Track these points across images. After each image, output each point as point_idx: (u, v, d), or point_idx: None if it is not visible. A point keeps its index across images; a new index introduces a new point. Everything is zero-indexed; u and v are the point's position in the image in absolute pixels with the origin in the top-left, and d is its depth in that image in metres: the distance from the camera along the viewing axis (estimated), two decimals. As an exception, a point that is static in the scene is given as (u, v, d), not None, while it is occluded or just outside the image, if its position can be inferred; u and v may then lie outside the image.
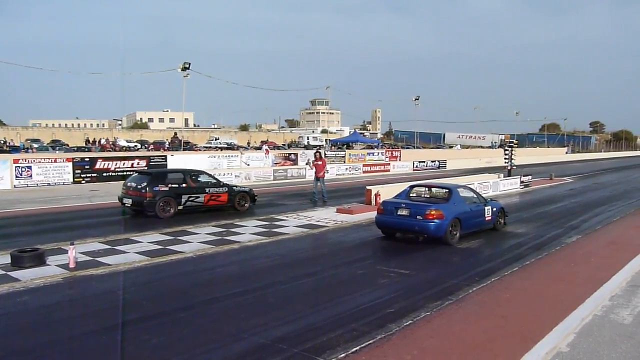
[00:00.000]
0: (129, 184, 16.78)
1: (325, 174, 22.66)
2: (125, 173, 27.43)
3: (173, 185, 16.57)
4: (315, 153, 22.88)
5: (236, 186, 18.82)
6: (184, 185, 16.83)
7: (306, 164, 22.21)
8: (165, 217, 15.91)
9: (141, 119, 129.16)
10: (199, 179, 17.52)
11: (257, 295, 8.49)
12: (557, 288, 9.08)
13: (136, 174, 17.73)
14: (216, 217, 16.36)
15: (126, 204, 16.59)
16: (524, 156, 56.52)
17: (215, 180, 17.87)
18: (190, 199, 16.79)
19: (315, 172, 21.62)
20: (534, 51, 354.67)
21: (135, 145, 59.20)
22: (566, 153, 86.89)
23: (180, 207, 16.54)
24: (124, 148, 52.29)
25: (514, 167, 29.93)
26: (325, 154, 40.70)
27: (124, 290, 8.59)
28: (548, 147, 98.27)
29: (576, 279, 9.77)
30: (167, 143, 48.74)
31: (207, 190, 17.26)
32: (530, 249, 12.29)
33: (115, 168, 27.80)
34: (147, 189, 16.07)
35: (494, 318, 7.47)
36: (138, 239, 12.69)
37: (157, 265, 10.38)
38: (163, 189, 16.29)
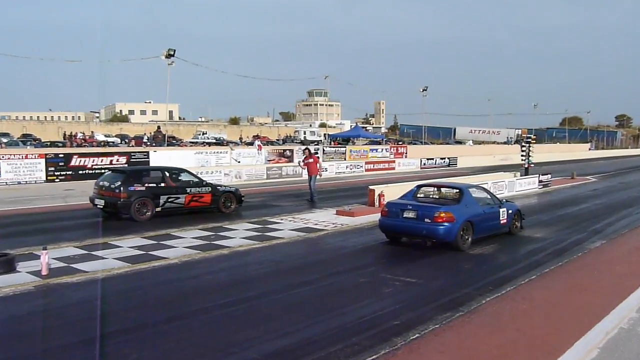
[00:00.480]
0: (101, 183, 16.64)
1: (322, 173, 22.70)
2: (103, 171, 27.41)
3: (150, 185, 16.47)
4: (304, 150, 22.89)
5: (221, 186, 18.81)
6: (162, 184, 16.76)
7: (299, 163, 22.38)
8: (142, 220, 15.84)
9: (121, 111, 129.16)
10: (179, 178, 17.45)
11: (249, 305, 8.49)
12: (579, 298, 9.09)
13: (109, 172, 17.63)
14: (203, 219, 16.37)
15: (98, 206, 16.46)
16: (543, 153, 56.54)
17: (197, 180, 17.81)
18: (169, 199, 16.71)
19: (309, 172, 21.55)
20: (555, 36, 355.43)
21: (114, 141, 59.21)
22: (589, 150, 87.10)
23: (158, 209, 16.46)
24: (102, 143, 52.28)
25: (532, 165, 29.95)
26: (322, 150, 40.71)
27: (102, 299, 8.57)
28: (569, 143, 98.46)
29: (600, 288, 9.78)
30: (146, 138, 48.59)
31: (188, 190, 17.18)
32: (549, 256, 12.30)
33: (92, 165, 27.79)
34: (122, 188, 15.95)
35: (510, 332, 7.48)
36: (117, 244, 12.68)
37: (138, 272, 10.37)
38: (139, 188, 16.18)
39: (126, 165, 28.20)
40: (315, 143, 63.97)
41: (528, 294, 9.30)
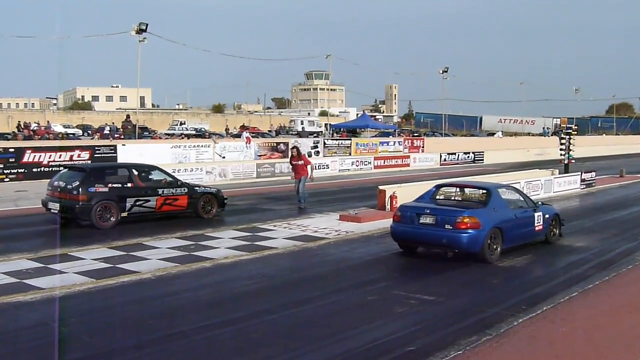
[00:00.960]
0: (55, 183, 16.55)
1: (313, 174, 22.25)
2: (62, 168, 27.39)
3: (115, 185, 16.37)
4: (291, 149, 22.48)
5: (199, 186, 18.87)
6: (129, 184, 16.71)
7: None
8: (104, 227, 15.81)
9: (83, 97, 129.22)
10: (149, 177, 17.47)
11: (235, 328, 8.49)
12: (629, 319, 9.10)
13: (65, 170, 17.59)
14: (182, 226, 16.39)
15: (52, 210, 16.30)
16: (586, 146, 56.53)
17: (171, 179, 17.80)
18: (137, 203, 16.67)
19: (295, 174, 21.21)
20: (599, 7, 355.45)
21: (75, 132, 59.23)
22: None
23: (124, 214, 16.43)
24: (60, 135, 52.28)
25: (573, 161, 29.99)
26: (323, 144, 40.74)
27: (61, 322, 8.54)
28: (617, 134, 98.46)
29: (654, 307, 9.80)
30: (108, 129, 48.46)
31: (160, 191, 17.18)
32: (593, 269, 12.32)
33: (49, 162, 27.77)
34: (80, 189, 15.83)
35: (547, 358, 7.48)
36: (79, 255, 12.69)
37: (104, 289, 10.36)
38: (101, 189, 16.06)
39: (89, 161, 28.18)
40: (315, 135, 64.07)
41: (568, 314, 9.30)
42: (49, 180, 25.99)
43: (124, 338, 8.07)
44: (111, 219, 16.12)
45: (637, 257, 13.46)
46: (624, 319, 9.10)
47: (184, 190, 17.69)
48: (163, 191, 17.24)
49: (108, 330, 8.42)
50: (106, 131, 47.99)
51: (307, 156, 22.81)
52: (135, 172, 17.20)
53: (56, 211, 16.17)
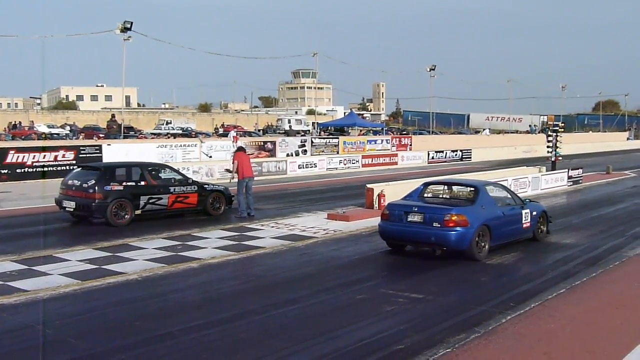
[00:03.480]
0: (70, 182, 16.90)
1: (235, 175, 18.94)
2: (46, 169, 27.29)
3: (129, 184, 16.76)
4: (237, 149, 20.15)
5: (208, 184, 19.20)
6: (142, 183, 17.09)
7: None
8: (119, 225, 16.18)
9: (67, 96, 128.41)
10: (160, 175, 17.84)
11: (223, 329, 8.48)
12: (616, 316, 9.16)
13: (79, 169, 18.00)
14: (168, 226, 16.34)
15: (67, 208, 16.70)
16: (573, 144, 56.97)
17: (181, 177, 18.25)
18: (150, 200, 17.05)
19: (239, 172, 18.79)
20: (586, 5, 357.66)
21: (60, 132, 58.88)
22: (628, 139, 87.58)
23: (138, 212, 16.78)
24: (43, 135, 51.97)
25: (560, 158, 30.16)
26: (310, 142, 40.72)
27: (46, 325, 8.51)
28: (604, 131, 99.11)
29: (641, 303, 9.88)
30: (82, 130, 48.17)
31: (171, 189, 17.59)
32: (581, 265, 12.40)
33: (32, 162, 27.57)
34: (96, 188, 16.18)
35: (535, 355, 7.52)
36: (64, 257, 12.62)
37: (89, 290, 10.31)
38: (116, 188, 16.44)
39: (74, 162, 28.08)
40: (302, 134, 64.02)
41: (556, 310, 9.35)
42: (32, 180, 26.29)
43: (109, 340, 8.03)
44: (126, 216, 16.48)
45: (624, 253, 13.56)
46: (611, 316, 9.16)
47: (194, 188, 18.12)
48: (174, 189, 17.67)
49: (93, 333, 8.37)
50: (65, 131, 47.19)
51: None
52: (148, 171, 17.63)
53: (71, 209, 16.63)
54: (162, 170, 18.22)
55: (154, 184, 17.31)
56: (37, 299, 9.72)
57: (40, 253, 12.88)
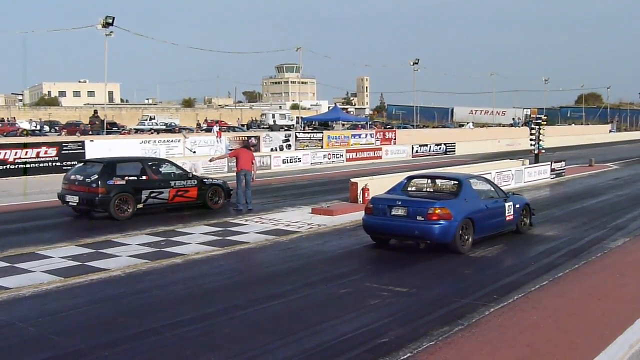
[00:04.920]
0: (72, 177, 17.19)
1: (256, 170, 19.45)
2: (28, 165, 27.05)
3: (131, 178, 17.05)
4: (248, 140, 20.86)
5: (207, 179, 19.46)
6: (144, 177, 17.39)
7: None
8: (122, 218, 16.44)
9: (49, 92, 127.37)
10: (161, 170, 18.10)
11: (207, 324, 8.46)
12: (598, 307, 9.24)
13: (81, 164, 18.28)
14: (152, 221, 16.26)
15: (70, 203, 16.99)
16: (556, 136, 57.38)
17: (181, 171, 18.55)
18: (152, 194, 17.37)
19: (239, 164, 18.91)
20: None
21: (42, 128, 58.40)
22: (610, 132, 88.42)
23: (140, 206, 17.09)
24: (25, 132, 51.53)
25: (543, 151, 30.33)
26: (294, 137, 40.69)
27: (28, 322, 8.46)
28: (586, 124, 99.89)
29: (623, 294, 9.96)
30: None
31: (172, 183, 17.90)
32: (563, 257, 12.48)
33: (14, 159, 27.32)
34: (99, 182, 16.42)
35: (518, 347, 7.57)
36: (47, 253, 12.54)
37: (72, 287, 10.26)
38: (119, 182, 16.73)
39: (56, 158, 27.94)
40: (286, 128, 63.94)
41: (539, 302, 9.42)
42: (14, 177, 26.05)
43: (93, 337, 7.99)
44: (128, 210, 16.76)
45: (606, 245, 13.68)
46: (593, 306, 9.24)
47: (194, 182, 18.45)
48: (175, 183, 17.95)
49: (76, 330, 8.32)
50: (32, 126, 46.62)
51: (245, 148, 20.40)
52: (148, 165, 17.95)
53: (74, 204, 16.96)
54: (163, 165, 18.54)
55: (155, 179, 17.60)
56: (20, 297, 9.66)
57: (22, 250, 12.78)
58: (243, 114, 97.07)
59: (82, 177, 16.85)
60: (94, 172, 16.79)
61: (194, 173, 19.73)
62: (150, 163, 18.31)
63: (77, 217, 17.27)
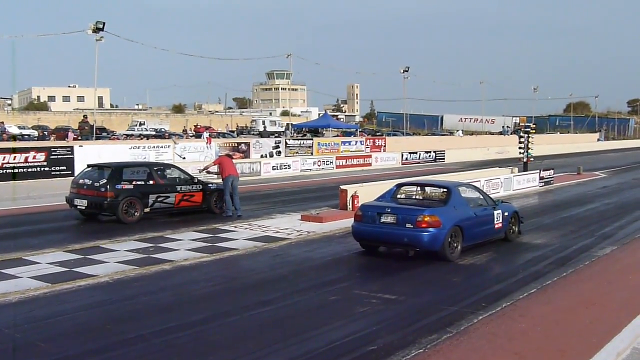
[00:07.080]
0: (80, 180, 17.46)
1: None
2: (16, 170, 26.88)
3: (138, 183, 17.33)
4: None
5: (211, 183, 19.55)
6: (150, 182, 17.68)
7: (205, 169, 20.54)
8: (129, 222, 16.65)
9: (39, 97, 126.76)
10: (167, 175, 18.40)
11: (195, 331, 8.43)
12: (586, 315, 9.28)
13: (89, 168, 18.42)
14: (140, 227, 16.19)
15: (79, 207, 17.22)
16: (544, 145, 57.60)
17: (187, 176, 18.72)
18: (159, 199, 17.65)
19: (225, 171, 18.90)
20: (557, 8, 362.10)
21: (31, 134, 58.05)
22: (598, 140, 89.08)
23: (147, 210, 17.35)
24: (15, 137, 51.22)
25: (532, 159, 30.49)
26: (285, 144, 40.67)
27: (15, 328, 8.39)
28: (575, 132, 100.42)
29: (611, 302, 10.01)
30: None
31: (178, 188, 18.16)
32: (551, 265, 12.52)
33: (2, 164, 27.15)
34: (108, 186, 16.66)
35: (506, 355, 7.59)
36: (34, 259, 12.45)
37: (59, 293, 10.19)
38: (127, 186, 17.00)
39: (45, 163, 27.83)
40: (276, 135, 63.91)
41: (527, 310, 9.45)
42: (2, 182, 25.86)
43: (80, 343, 7.95)
44: (135, 214, 17.00)
45: (594, 253, 13.74)
46: (581, 314, 9.28)
47: (199, 187, 18.71)
48: (181, 188, 18.22)
49: (64, 336, 8.27)
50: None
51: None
52: (155, 170, 18.26)
53: (83, 207, 17.20)
54: (169, 170, 18.84)
55: (161, 183, 17.91)
56: (6, 303, 9.58)
57: (9, 256, 12.67)
58: (233, 120, 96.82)
59: (90, 181, 17.11)
60: (103, 176, 17.08)
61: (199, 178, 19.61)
62: (156, 168, 18.63)
63: (65, 223, 17.17)
